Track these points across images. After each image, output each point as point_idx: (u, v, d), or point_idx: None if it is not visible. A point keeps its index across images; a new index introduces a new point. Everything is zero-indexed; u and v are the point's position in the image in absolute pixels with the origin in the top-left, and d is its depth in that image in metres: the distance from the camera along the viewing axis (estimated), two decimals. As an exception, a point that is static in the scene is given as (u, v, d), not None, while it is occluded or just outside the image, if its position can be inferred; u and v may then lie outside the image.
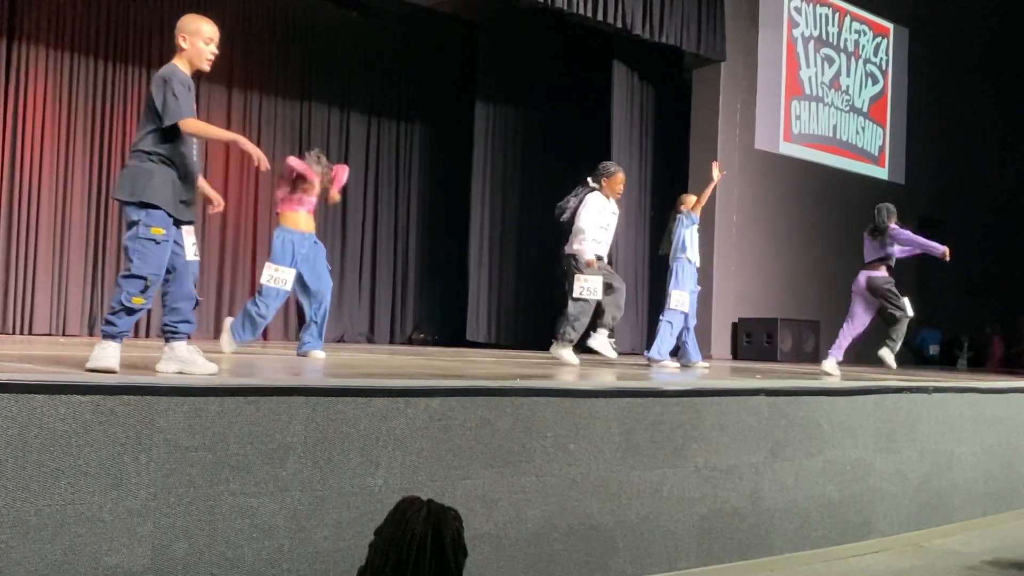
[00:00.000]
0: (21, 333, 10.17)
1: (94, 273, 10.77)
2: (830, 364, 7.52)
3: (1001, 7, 15.21)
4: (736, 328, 11.81)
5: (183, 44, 4.13)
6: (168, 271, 4.04)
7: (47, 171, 10.56)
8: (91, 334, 10.39)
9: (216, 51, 4.21)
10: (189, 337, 4.14)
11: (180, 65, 4.12)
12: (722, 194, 11.68)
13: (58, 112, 10.67)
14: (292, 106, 12.41)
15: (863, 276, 7.64)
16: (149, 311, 4.30)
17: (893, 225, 7.55)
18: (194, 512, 3.42)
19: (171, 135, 4.01)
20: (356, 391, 3.89)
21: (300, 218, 6.79)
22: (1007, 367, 13.59)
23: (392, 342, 13.05)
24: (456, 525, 2.37)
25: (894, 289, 7.56)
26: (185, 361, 3.98)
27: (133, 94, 11.17)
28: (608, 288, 6.97)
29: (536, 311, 13.01)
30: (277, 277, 6.53)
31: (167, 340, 4.06)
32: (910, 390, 6.41)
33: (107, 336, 3.91)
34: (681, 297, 7.94)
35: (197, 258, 4.28)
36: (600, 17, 10.49)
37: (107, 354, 3.84)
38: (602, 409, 4.64)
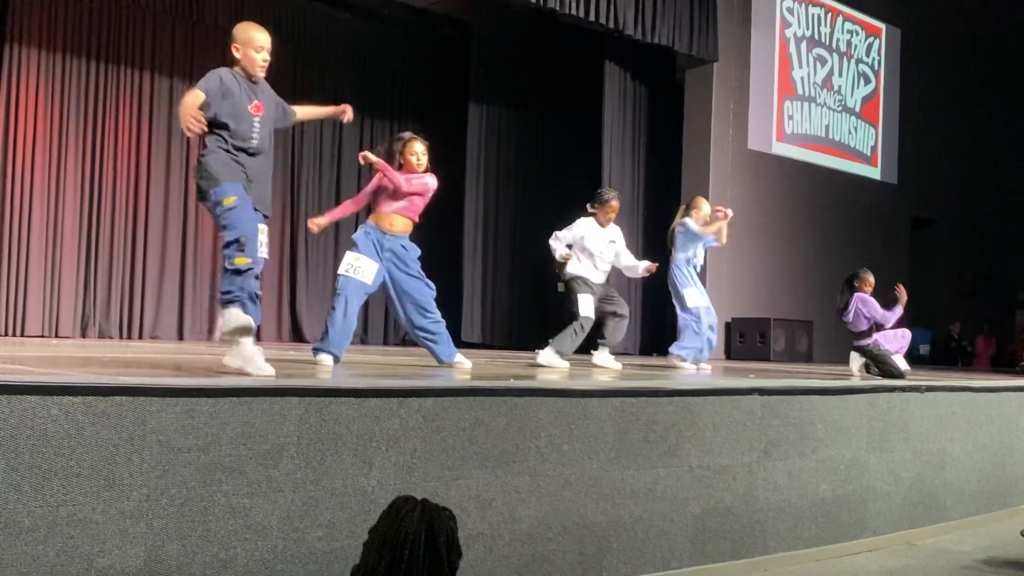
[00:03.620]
0: (13, 335, 10.15)
1: (86, 274, 10.73)
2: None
3: (992, 7, 15.27)
4: (729, 328, 11.83)
5: (236, 54, 4.25)
6: None
7: (39, 172, 10.54)
8: (83, 335, 10.36)
9: (268, 58, 4.32)
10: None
11: (232, 70, 4.24)
12: (715, 194, 11.70)
13: (50, 114, 10.65)
14: (285, 107, 12.38)
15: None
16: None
17: (852, 300, 7.25)
18: (187, 513, 3.41)
19: (213, 128, 4.13)
20: (349, 391, 3.88)
21: (388, 219, 6.01)
22: (996, 367, 13.61)
23: (386, 343, 13.03)
24: (450, 525, 2.37)
25: (881, 353, 7.23)
26: (247, 360, 4.08)
27: (125, 96, 11.15)
28: (613, 315, 7.12)
29: (530, 312, 13.02)
30: (357, 267, 5.84)
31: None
32: (903, 389, 6.42)
33: (227, 304, 4.05)
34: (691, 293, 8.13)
35: (266, 256, 4.28)
36: (592, 18, 10.51)
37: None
38: (596, 409, 4.64)
